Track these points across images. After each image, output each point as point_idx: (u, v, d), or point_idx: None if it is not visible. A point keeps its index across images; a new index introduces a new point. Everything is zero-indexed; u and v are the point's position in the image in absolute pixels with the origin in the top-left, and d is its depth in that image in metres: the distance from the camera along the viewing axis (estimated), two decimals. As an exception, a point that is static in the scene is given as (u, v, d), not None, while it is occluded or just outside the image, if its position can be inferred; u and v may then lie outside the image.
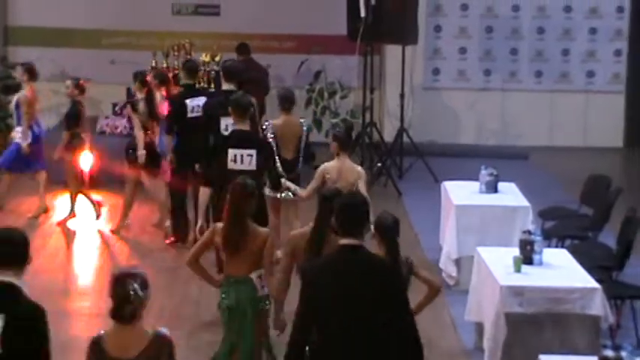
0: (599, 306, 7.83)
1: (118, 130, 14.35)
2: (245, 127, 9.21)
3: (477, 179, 10.64)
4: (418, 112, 16.18)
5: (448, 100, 17.31)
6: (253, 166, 9.01)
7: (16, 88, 15.63)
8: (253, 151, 9.05)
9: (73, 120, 12.03)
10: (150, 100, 11.65)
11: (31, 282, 9.38)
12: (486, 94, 17.33)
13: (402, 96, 15.08)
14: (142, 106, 11.62)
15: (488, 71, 17.42)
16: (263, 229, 7.44)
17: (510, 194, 10.59)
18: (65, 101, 12.71)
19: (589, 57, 17.36)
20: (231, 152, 9.03)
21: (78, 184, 12.31)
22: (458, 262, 10.10)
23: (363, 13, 14.36)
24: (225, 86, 10.47)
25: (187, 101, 11.19)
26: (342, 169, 9.22)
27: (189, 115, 11.11)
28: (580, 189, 11.36)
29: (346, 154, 9.35)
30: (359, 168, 9.44)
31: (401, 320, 5.62)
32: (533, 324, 7.84)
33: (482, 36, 17.35)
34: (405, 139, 15.02)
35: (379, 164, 14.56)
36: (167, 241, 11.61)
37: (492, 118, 17.30)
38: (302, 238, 7.06)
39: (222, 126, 10.07)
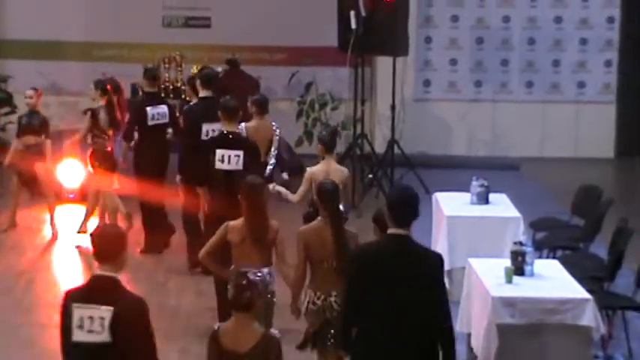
0: (590, 317, 7.80)
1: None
2: (233, 128, 9.51)
3: (468, 190, 10.64)
4: (409, 124, 16.14)
5: (439, 112, 17.33)
6: (240, 166, 9.33)
7: (8, 100, 15.82)
8: (240, 152, 9.36)
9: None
10: (110, 108, 11.83)
11: (22, 295, 9.47)
12: (477, 106, 17.37)
13: (392, 107, 15.07)
14: (102, 114, 11.82)
15: (479, 82, 17.46)
16: (274, 222, 7.85)
17: (501, 205, 10.59)
18: (56, 112, 12.71)
19: (580, 68, 17.41)
20: (219, 152, 9.34)
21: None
22: (449, 274, 9.96)
23: (353, 25, 14.37)
24: (203, 93, 10.74)
25: (148, 109, 11.32)
26: (328, 171, 9.38)
27: (150, 122, 11.29)
28: (571, 200, 11.35)
29: (331, 156, 9.54)
30: (344, 169, 9.59)
31: (438, 307, 5.94)
32: (524, 335, 7.81)
33: (472, 47, 17.39)
34: (396, 150, 15.02)
35: (370, 176, 14.54)
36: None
37: (483, 129, 17.32)
38: (311, 233, 7.46)
39: (204, 131, 10.44)
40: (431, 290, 5.93)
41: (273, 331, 5.88)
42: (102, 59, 16.52)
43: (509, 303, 7.83)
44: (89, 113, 12.04)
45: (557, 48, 17.38)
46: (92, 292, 5.63)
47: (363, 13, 14.35)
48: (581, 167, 15.87)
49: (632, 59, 17.31)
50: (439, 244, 10.28)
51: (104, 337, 5.56)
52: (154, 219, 11.59)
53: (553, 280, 8.25)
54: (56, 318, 9.48)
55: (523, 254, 8.28)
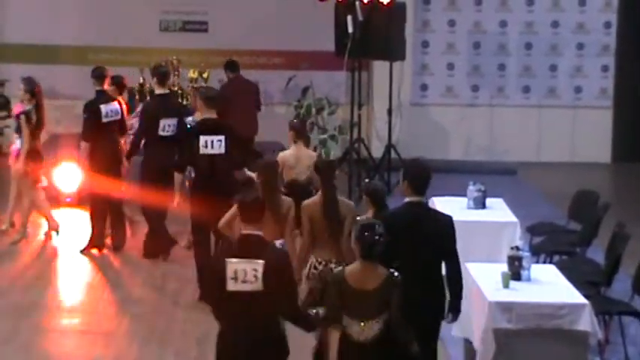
0: (587, 322, 7.79)
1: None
2: (213, 115, 10.18)
3: (465, 195, 10.63)
4: (406, 128, 16.20)
5: (436, 116, 17.35)
6: (223, 150, 10.04)
7: (5, 104, 15.75)
8: (222, 137, 10.04)
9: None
10: (38, 109, 11.96)
11: (20, 299, 9.46)
12: (474, 110, 17.39)
13: (389, 112, 15.09)
14: (32, 115, 11.92)
15: (476, 87, 17.48)
16: (287, 198, 8.58)
17: (498, 210, 10.58)
18: (53, 116, 12.70)
19: (576, 72, 17.43)
20: (202, 138, 10.01)
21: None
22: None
23: (350, 29, 14.39)
24: (159, 90, 11.49)
25: (102, 106, 11.70)
26: (299, 155, 10.37)
27: (104, 119, 11.66)
28: (568, 204, 11.33)
29: (301, 142, 10.55)
30: (312, 153, 10.11)
31: (451, 261, 7.28)
32: (521, 340, 7.80)
33: (469, 52, 17.41)
34: (393, 155, 15.02)
35: (367, 180, 14.51)
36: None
37: (480, 134, 17.34)
38: (315, 206, 8.20)
39: (162, 126, 11.22)
40: (444, 242, 7.27)
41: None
42: (98, 63, 16.21)
43: (506, 308, 7.82)
44: (23, 117, 11.96)
45: (554, 53, 17.41)
46: (243, 248, 6.50)
47: (360, 18, 14.37)
48: (578, 172, 15.87)
49: (629, 64, 17.34)
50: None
51: (257, 286, 6.43)
52: (153, 224, 11.68)
53: (550, 285, 8.24)
54: (54, 322, 9.74)
55: (520, 259, 8.27)
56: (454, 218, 9.78)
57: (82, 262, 11.80)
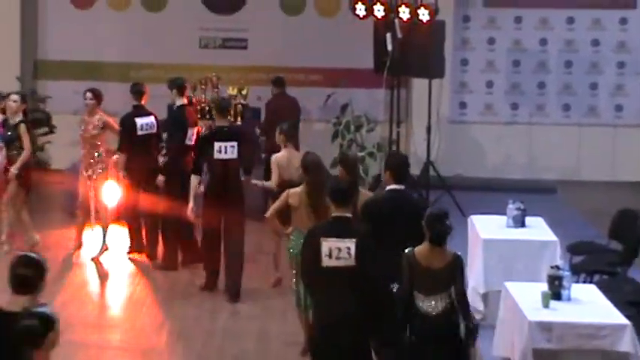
0: (628, 343, 7.70)
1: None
2: (226, 123, 11.18)
3: (504, 213, 10.55)
4: (445, 146, 16.11)
5: (475, 134, 17.28)
6: (235, 155, 10.90)
7: (46, 120, 15.91)
8: (235, 143, 10.89)
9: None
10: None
11: (60, 313, 9.46)
12: (513, 128, 17.29)
13: (428, 129, 15.03)
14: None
15: (515, 105, 17.37)
16: None
17: (538, 228, 10.50)
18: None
19: (617, 91, 17.29)
20: (216, 145, 10.83)
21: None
22: (485, 297, 10.01)
23: (389, 47, 14.38)
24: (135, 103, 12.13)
25: (137, 119, 12.10)
26: (290, 157, 10.93)
27: (139, 132, 12.09)
28: (608, 224, 11.24)
29: (291, 145, 11.17)
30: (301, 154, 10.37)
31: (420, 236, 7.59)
32: (561, 360, 7.76)
33: (509, 70, 17.32)
34: (432, 172, 14.98)
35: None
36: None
37: (519, 152, 17.24)
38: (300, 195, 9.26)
39: (139, 126, 11.99)
40: (415, 226, 7.63)
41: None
42: (139, 80, 16.20)
43: (546, 328, 7.76)
44: (24, 126, 12.15)
45: (594, 71, 17.29)
46: (336, 228, 7.43)
47: (399, 35, 14.36)
48: (618, 191, 15.75)
49: (670, 83, 17.23)
50: (475, 267, 10.22)
51: (350, 262, 7.34)
52: (174, 234, 11.89)
53: (590, 305, 8.18)
54: (93, 338, 9.75)
55: (560, 278, 8.20)
56: (493, 237, 10.16)
57: (118, 276, 11.84)
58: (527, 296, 8.24)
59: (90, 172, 12.32)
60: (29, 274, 5.51)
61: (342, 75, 16.83)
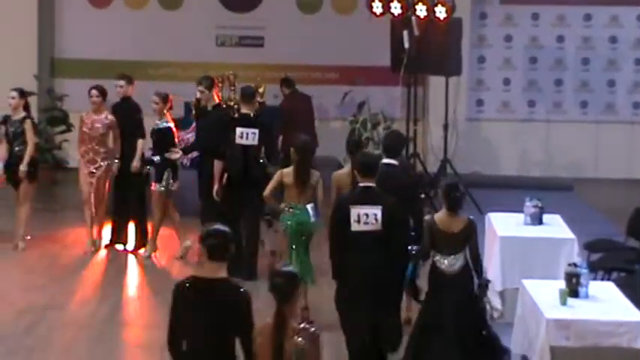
0: (646, 340, 7.73)
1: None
2: (251, 111, 11.51)
3: (521, 211, 10.55)
4: (462, 143, 16.10)
5: (492, 131, 17.26)
6: (256, 142, 11.31)
7: (64, 119, 15.97)
8: (256, 130, 11.32)
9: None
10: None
11: (78, 310, 9.43)
12: (531, 125, 17.27)
13: (445, 127, 15.04)
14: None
15: (532, 102, 17.35)
16: (316, 172, 10.26)
17: (555, 226, 10.49)
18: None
19: (635, 88, 17.27)
20: (238, 130, 11.28)
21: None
22: (502, 294, 10.01)
23: (406, 45, 14.41)
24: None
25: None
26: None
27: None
28: (626, 221, 11.18)
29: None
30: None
31: (400, 230, 8.49)
32: (579, 358, 7.75)
33: (526, 67, 17.31)
34: (449, 170, 14.98)
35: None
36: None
37: (537, 150, 17.22)
38: (343, 176, 9.93)
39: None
40: (409, 194, 9.01)
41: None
42: (157, 78, 16.57)
43: (563, 325, 7.76)
44: (30, 122, 12.29)
45: (611, 68, 17.25)
46: (363, 196, 8.28)
47: (416, 33, 14.38)
48: (636, 188, 15.65)
49: (688, 79, 17.15)
50: (492, 265, 10.20)
51: (377, 226, 8.19)
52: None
53: (608, 303, 8.16)
54: (131, 336, 9.74)
55: (578, 276, 8.21)
56: (510, 234, 10.17)
57: (154, 275, 11.85)
58: (544, 294, 8.23)
59: (93, 168, 12.35)
60: (221, 243, 6.05)
61: (359, 73, 16.83)
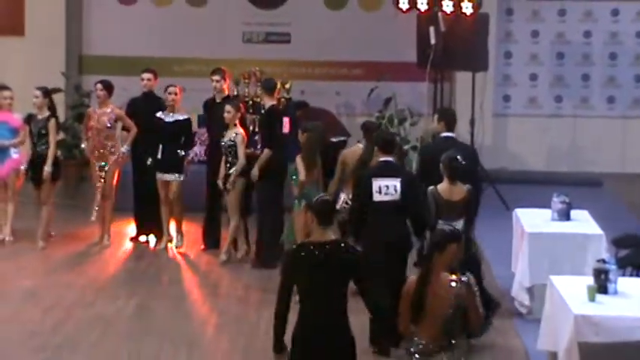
0: (675, 336, 7.67)
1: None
2: (272, 102, 12.20)
3: (549, 207, 10.55)
4: (488, 139, 16.08)
5: (519, 127, 17.17)
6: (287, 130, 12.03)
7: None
8: (287, 119, 12.09)
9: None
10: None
11: (104, 309, 9.37)
12: (558, 121, 17.19)
13: (472, 123, 14.98)
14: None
15: (559, 97, 17.26)
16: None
17: (583, 222, 10.49)
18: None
19: (662, 83, 17.18)
20: (285, 119, 12.03)
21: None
22: (530, 291, 10.02)
23: (433, 40, 14.37)
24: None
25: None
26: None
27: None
28: (655, 217, 11.10)
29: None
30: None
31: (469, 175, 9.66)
32: (607, 353, 7.74)
33: (553, 62, 17.21)
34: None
35: None
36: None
37: (564, 145, 17.14)
38: (352, 154, 10.92)
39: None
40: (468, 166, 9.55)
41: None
42: (182, 74, 16.51)
43: (592, 321, 7.75)
44: (53, 122, 12.41)
45: (638, 63, 17.15)
46: (383, 170, 9.27)
47: (443, 28, 14.33)
48: (664, 184, 15.61)
49: None
50: (520, 261, 10.20)
51: (397, 197, 9.18)
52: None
53: (637, 299, 8.14)
54: (134, 327, 9.76)
55: (606, 272, 8.18)
56: (538, 230, 10.20)
57: (166, 269, 11.94)
58: (572, 290, 8.22)
59: (102, 163, 12.48)
60: (328, 209, 6.84)
61: (386, 69, 16.67)
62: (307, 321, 6.70)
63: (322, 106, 15.52)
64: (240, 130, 11.94)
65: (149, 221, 12.77)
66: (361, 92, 16.68)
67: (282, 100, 14.60)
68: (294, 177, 10.99)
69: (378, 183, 9.19)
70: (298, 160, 10.89)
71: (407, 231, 9.29)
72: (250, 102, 14.66)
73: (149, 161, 12.34)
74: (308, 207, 7.11)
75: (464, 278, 6.57)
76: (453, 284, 6.54)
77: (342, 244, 6.79)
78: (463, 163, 9.13)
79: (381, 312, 7.00)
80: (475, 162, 10.38)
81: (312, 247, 6.74)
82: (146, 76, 12.89)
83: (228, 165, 11.91)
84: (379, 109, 16.16)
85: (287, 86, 14.99)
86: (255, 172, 11.73)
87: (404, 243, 9.27)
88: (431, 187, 9.20)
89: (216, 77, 12.50)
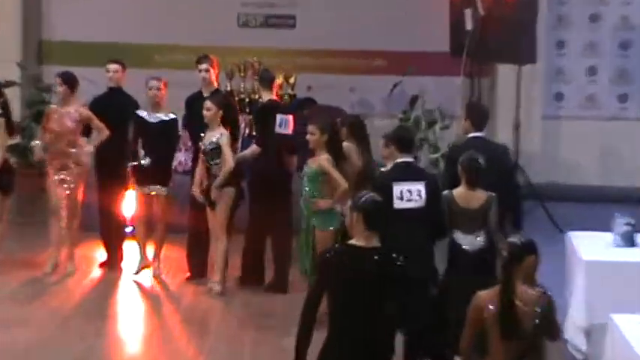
0: None
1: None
2: (273, 97, 12.40)
3: (609, 229, 10.51)
4: (536, 147, 16.09)
5: (574, 132, 17.09)
6: (289, 131, 12.19)
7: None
8: (290, 117, 12.22)
9: None
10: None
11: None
12: (620, 125, 17.17)
13: (516, 127, 15.05)
14: None
15: (623, 97, 17.26)
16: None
17: (652, 248, 10.46)
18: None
19: None
20: (279, 117, 12.07)
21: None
22: (588, 332, 9.99)
23: (469, 26, 14.51)
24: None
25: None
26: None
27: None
28: None
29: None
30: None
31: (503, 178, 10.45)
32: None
33: (615, 53, 17.25)
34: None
35: None
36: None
37: (628, 154, 17.10)
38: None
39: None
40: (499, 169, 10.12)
41: None
42: (165, 65, 16.55)
43: (663, 368, 7.72)
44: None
45: None
46: (405, 172, 9.48)
47: (482, 12, 14.45)
48: None
49: None
50: (575, 295, 10.20)
51: (421, 203, 9.42)
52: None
53: None
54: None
55: (681, 310, 8.18)
56: (597, 258, 10.20)
57: (143, 302, 12.00)
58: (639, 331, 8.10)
59: (64, 175, 12.49)
60: (377, 211, 7.13)
61: (411, 60, 16.66)
62: (342, 336, 6.90)
63: (333, 105, 15.51)
64: (224, 131, 11.86)
65: (119, 244, 12.80)
66: (381, 88, 16.61)
67: (286, 97, 14.93)
68: (306, 188, 10.97)
69: (399, 187, 9.43)
70: (325, 163, 10.90)
71: (431, 241, 9.59)
72: (247, 99, 14.99)
73: (146, 161, 12.30)
74: (354, 207, 7.07)
75: (543, 289, 7.14)
76: (534, 295, 7.09)
77: (393, 255, 7.03)
78: (483, 164, 9.37)
79: (418, 332, 7.52)
80: (506, 165, 10.91)
81: (356, 253, 6.99)
82: (112, 67, 12.86)
83: (210, 173, 11.83)
84: (403, 110, 16.12)
85: (291, 80, 15.33)
86: (226, 168, 11.70)
87: (427, 253, 9.51)
88: (446, 192, 9.52)
89: (203, 66, 12.44)
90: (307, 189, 11.03)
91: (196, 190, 11.93)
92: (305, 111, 14.74)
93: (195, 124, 12.26)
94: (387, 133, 10.00)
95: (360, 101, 16.02)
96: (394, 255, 7.03)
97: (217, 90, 12.62)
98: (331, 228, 10.87)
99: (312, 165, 10.96)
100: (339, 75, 15.78)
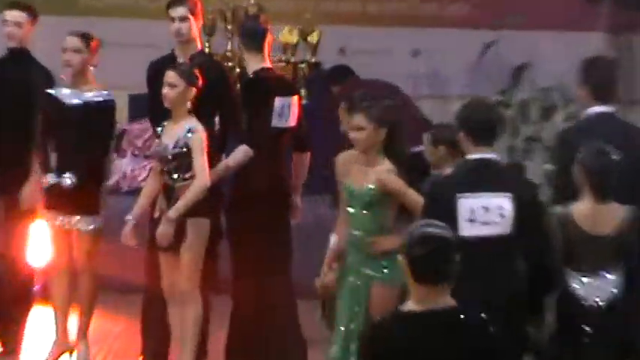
0: None
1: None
2: (267, 64, 11.73)
3: None
4: None
5: None
6: (293, 123, 11.45)
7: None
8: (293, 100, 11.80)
9: None
10: None
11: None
12: None
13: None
14: None
15: None
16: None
17: None
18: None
19: None
20: (278, 101, 11.15)
21: None
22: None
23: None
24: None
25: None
26: None
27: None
28: None
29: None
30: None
31: None
32: None
33: None
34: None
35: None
36: None
37: None
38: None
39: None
40: None
41: None
42: (91, 13, 15.55)
43: None
44: None
45: None
46: (479, 177, 8.76)
47: None
48: None
49: None
50: None
51: (505, 228, 8.71)
52: None
53: None
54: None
55: None
56: None
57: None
58: None
59: None
60: (448, 254, 6.33)
61: (511, 7, 15.37)
62: None
63: (383, 78, 13.80)
64: (197, 124, 10.37)
65: (21, 315, 11.55)
66: (464, 52, 15.47)
67: (302, 66, 14.46)
68: (355, 220, 9.23)
69: (469, 203, 7.84)
70: (392, 178, 9.22)
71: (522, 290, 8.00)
72: (236, 69, 14.14)
73: (68, 176, 10.81)
74: (403, 251, 5.96)
75: None
76: None
77: (480, 319, 6.24)
78: (618, 162, 7.98)
79: None
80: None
81: (418, 321, 6.19)
82: (11, 16, 11.53)
83: (169, 195, 10.41)
84: (501, 89, 14.86)
85: (312, 39, 14.52)
86: (196, 187, 10.30)
87: (514, 311, 7.94)
88: (558, 209, 8.17)
89: (179, 11, 11.04)
90: (356, 222, 9.28)
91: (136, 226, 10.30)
92: (335, 88, 13.86)
93: (158, 106, 10.94)
94: (437, 124, 9.82)
95: (430, 73, 14.97)
96: (482, 315, 6.27)
97: (202, 52, 11.47)
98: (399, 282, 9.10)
99: (362, 182, 9.25)
100: (392, 28, 14.65)
